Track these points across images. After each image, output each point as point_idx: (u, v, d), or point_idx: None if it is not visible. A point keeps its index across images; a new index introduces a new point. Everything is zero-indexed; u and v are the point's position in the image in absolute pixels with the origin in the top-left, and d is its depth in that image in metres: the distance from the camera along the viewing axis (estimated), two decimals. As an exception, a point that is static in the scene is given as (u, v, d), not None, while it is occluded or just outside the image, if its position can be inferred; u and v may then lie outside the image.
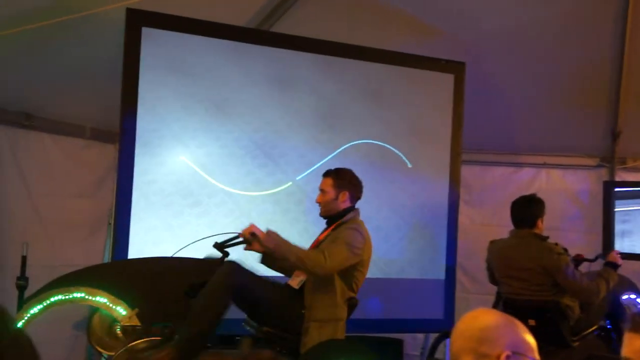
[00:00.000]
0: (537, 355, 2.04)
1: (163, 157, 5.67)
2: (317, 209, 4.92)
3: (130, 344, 4.39)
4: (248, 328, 4.70)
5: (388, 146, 6.48)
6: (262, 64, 6.05)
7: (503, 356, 1.95)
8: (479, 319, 2.03)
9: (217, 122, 5.87)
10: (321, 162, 6.10)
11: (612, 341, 5.65)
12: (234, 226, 4.92)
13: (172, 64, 5.76)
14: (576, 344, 5.34)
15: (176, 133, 5.72)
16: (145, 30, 5.64)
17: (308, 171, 6.07)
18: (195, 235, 4.98)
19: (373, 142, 6.43)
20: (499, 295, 5.75)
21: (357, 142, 6.34)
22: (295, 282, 4.70)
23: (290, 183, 6.04)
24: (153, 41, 5.67)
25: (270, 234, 4.44)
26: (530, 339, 2.05)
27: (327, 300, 4.57)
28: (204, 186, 5.77)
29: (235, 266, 4.39)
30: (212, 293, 4.29)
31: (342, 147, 6.24)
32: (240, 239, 4.50)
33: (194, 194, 5.72)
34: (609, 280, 5.40)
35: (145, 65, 5.64)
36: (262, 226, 4.48)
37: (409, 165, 6.56)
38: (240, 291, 4.38)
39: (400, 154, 6.57)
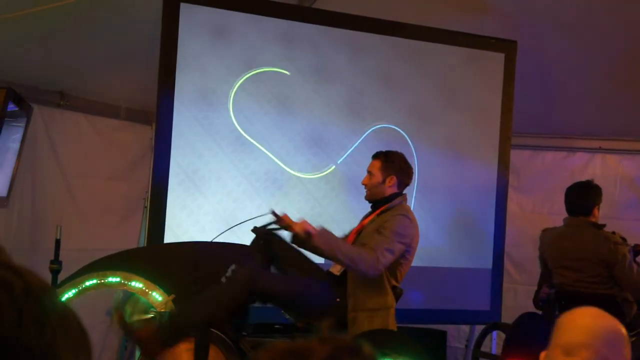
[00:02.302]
0: None
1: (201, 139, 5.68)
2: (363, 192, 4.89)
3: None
4: (287, 317, 4.71)
5: (432, 127, 6.42)
6: (305, 44, 6.02)
7: None
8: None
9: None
10: (357, 142, 6.08)
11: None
12: (280, 208, 4.95)
13: (211, 42, 5.75)
14: (633, 339, 5.26)
15: (215, 115, 5.71)
16: (183, 7, 5.63)
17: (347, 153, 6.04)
18: (235, 219, 4.99)
19: (418, 123, 6.39)
20: (549, 285, 5.70)
21: (398, 124, 6.28)
22: (336, 268, 4.68)
23: (333, 167, 6.01)
24: (192, 18, 5.68)
25: (322, 233, 4.42)
26: None
27: (374, 288, 4.55)
28: (279, 179, 5.80)
29: (254, 273, 4.32)
30: (215, 294, 4.28)
31: (377, 127, 6.16)
32: (278, 225, 4.50)
33: (234, 176, 5.71)
34: None
35: (183, 44, 5.65)
36: (305, 208, 4.47)
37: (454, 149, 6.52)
38: (263, 295, 4.36)
39: (446, 137, 6.53)
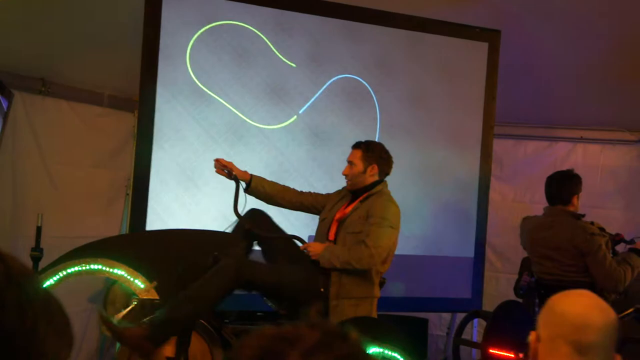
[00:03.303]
0: None
1: (183, 125, 5.67)
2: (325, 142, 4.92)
3: (147, 318, 4.40)
4: (270, 304, 4.72)
5: (416, 117, 6.42)
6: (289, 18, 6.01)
7: (619, 358, 1.96)
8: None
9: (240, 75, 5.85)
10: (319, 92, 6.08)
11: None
12: (241, 159, 5.12)
13: (193, 28, 5.72)
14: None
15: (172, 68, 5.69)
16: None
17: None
18: (195, 171, 5.15)
19: (402, 112, 6.39)
20: (530, 274, 5.73)
21: (385, 111, 6.28)
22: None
23: (295, 117, 5.99)
24: (174, 4, 5.65)
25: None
26: None
27: (361, 278, 4.59)
28: (239, 130, 5.81)
29: (237, 262, 4.36)
30: (203, 287, 4.27)
31: (339, 77, 6.14)
32: (237, 191, 4.62)
33: (193, 127, 5.72)
34: (635, 267, 5.34)
35: (165, 30, 5.63)
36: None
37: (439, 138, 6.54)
38: (247, 285, 4.40)
39: (428, 126, 6.54)
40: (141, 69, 5.60)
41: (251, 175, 4.86)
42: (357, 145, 4.85)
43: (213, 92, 5.75)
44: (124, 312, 4.39)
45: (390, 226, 4.58)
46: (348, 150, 5.26)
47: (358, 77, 6.17)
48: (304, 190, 5.14)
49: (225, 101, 5.77)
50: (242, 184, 4.84)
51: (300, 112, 5.98)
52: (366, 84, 6.18)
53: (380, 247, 4.51)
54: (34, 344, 1.14)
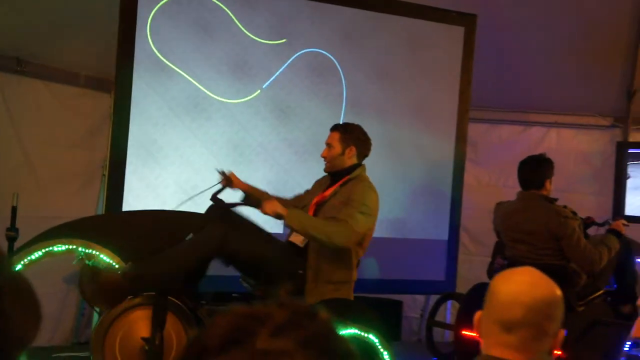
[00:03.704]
0: None
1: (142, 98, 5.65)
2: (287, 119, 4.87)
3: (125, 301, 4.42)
4: (245, 285, 4.73)
5: (385, 94, 6.44)
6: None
7: (561, 335, 1.94)
8: (540, 288, 1.95)
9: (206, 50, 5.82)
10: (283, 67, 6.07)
11: (619, 305, 5.69)
12: (203, 132, 5.12)
13: (173, 8, 5.68)
14: (581, 308, 5.37)
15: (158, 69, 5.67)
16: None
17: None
18: (156, 145, 5.26)
19: (378, 97, 6.40)
20: (503, 257, 5.77)
21: (351, 86, 6.29)
22: (299, 239, 4.69)
23: (258, 91, 5.96)
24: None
25: (293, 212, 4.46)
26: None
27: (340, 262, 4.60)
28: (201, 104, 5.77)
29: (224, 229, 4.37)
30: (190, 247, 4.34)
31: (305, 51, 6.11)
32: (243, 202, 4.57)
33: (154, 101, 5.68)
34: (612, 248, 5.40)
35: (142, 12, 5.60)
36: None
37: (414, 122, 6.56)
38: (233, 256, 4.40)
39: (405, 109, 6.56)
40: (117, 48, 5.57)
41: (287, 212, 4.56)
42: (335, 128, 4.85)
43: (175, 65, 5.68)
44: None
45: (369, 214, 4.59)
46: (313, 125, 5.29)
47: (324, 51, 6.11)
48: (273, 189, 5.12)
49: (187, 74, 5.70)
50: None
51: (264, 86, 5.94)
52: (333, 58, 6.14)
53: (361, 228, 4.52)
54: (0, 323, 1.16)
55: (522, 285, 1.94)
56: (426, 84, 6.62)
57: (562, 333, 1.93)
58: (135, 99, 5.59)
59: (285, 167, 5.81)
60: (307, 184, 5.22)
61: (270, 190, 5.10)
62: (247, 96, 5.89)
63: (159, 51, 5.62)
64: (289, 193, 5.14)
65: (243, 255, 4.42)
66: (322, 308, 1.04)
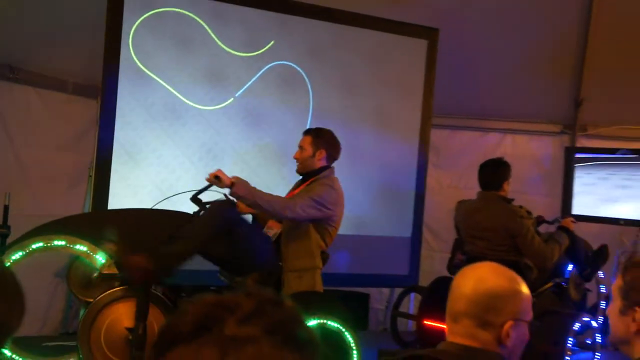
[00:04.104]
0: (531, 314, 2.01)
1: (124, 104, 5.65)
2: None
3: (109, 291, 4.40)
4: (223, 279, 4.73)
5: (349, 104, 6.46)
6: (229, 11, 5.99)
7: (507, 327, 1.91)
8: (487, 282, 1.94)
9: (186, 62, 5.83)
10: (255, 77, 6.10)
11: (565, 297, 5.76)
12: (178, 137, 5.25)
13: (137, 13, 5.67)
14: (533, 300, 5.41)
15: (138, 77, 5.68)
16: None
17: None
18: (135, 147, 5.34)
19: (343, 106, 6.42)
20: (463, 253, 5.81)
21: (318, 96, 6.31)
22: (270, 233, 4.73)
23: (232, 99, 5.99)
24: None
25: (241, 181, 4.44)
26: (530, 299, 2.00)
27: (303, 251, 4.62)
28: (178, 110, 5.79)
29: (229, 203, 4.42)
30: (204, 221, 4.35)
31: (275, 63, 6.13)
32: (209, 184, 4.51)
33: (133, 107, 5.68)
34: (562, 244, 5.47)
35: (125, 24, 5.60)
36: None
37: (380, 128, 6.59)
38: (229, 231, 4.38)
39: (371, 116, 6.59)
40: (104, 56, 5.56)
41: (237, 179, 4.53)
42: (308, 132, 4.88)
43: (154, 74, 5.70)
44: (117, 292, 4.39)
45: (322, 204, 4.58)
46: (281, 132, 5.46)
47: (294, 64, 6.15)
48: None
49: (166, 83, 5.73)
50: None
51: (237, 95, 5.97)
52: (301, 70, 6.18)
53: (302, 206, 4.52)
54: None
55: (471, 280, 1.95)
56: (391, 93, 6.66)
57: (509, 324, 1.90)
58: (117, 105, 5.59)
59: (255, 170, 5.85)
60: (275, 185, 5.31)
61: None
62: (220, 104, 5.93)
63: (140, 61, 5.63)
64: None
65: (236, 226, 4.40)
66: (287, 297, 1.05)
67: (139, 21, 5.59)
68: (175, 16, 5.74)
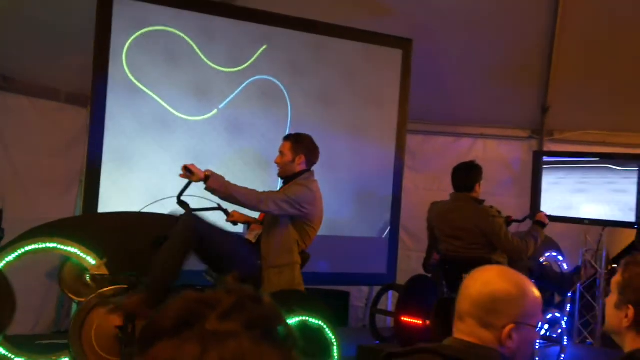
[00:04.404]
0: (540, 317, 1.97)
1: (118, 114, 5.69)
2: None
3: (99, 291, 4.38)
4: (209, 279, 4.71)
5: (326, 114, 6.48)
6: (215, 25, 6.07)
7: (508, 329, 1.89)
8: (492, 285, 1.92)
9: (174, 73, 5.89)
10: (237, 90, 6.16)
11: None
12: (166, 144, 5.49)
13: (130, 31, 5.72)
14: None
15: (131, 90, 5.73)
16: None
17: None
18: (128, 153, 5.48)
19: (320, 115, 6.43)
20: (438, 252, 5.81)
21: (295, 108, 6.34)
22: (251, 235, 4.76)
23: (215, 110, 6.06)
24: (124, 9, 5.63)
25: (213, 175, 4.43)
26: (537, 304, 1.96)
27: (281, 248, 4.63)
28: (166, 120, 5.85)
29: (194, 219, 4.37)
30: (173, 245, 4.28)
31: (256, 78, 6.18)
32: (188, 182, 4.49)
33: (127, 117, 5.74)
34: (538, 238, 5.49)
35: (116, 34, 5.61)
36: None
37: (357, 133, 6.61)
38: (201, 242, 4.36)
39: (349, 124, 6.60)
40: (93, 68, 5.58)
41: (211, 173, 4.50)
42: (287, 138, 4.87)
43: (145, 87, 5.77)
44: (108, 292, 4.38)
45: (296, 201, 4.57)
46: (261, 141, 5.64)
47: (273, 78, 6.21)
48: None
49: (156, 95, 5.80)
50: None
51: (220, 107, 6.05)
52: (280, 84, 6.24)
53: (275, 200, 4.53)
54: None
55: (477, 282, 1.94)
56: (368, 101, 6.69)
57: (510, 327, 1.88)
58: (111, 115, 5.63)
59: (237, 175, 5.85)
60: (255, 188, 5.26)
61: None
62: (205, 114, 6.02)
63: (133, 76, 5.69)
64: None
65: (209, 241, 4.38)
66: (276, 299, 1.04)
67: (131, 39, 5.65)
68: (164, 34, 5.80)
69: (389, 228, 6.81)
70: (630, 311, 2.20)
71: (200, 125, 5.98)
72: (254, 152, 6.11)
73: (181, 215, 4.46)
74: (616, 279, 2.28)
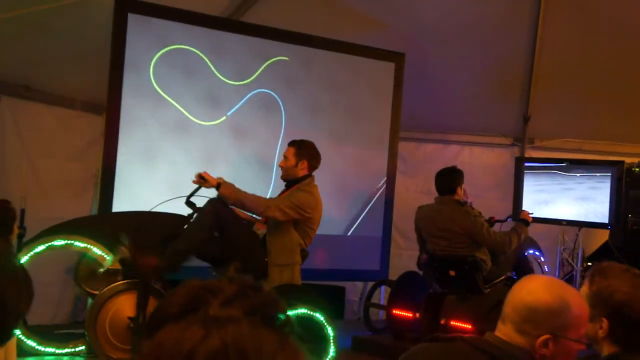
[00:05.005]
0: (583, 330, 1.87)
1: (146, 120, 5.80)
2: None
3: (112, 285, 4.40)
4: (215, 274, 4.71)
5: (317, 123, 6.51)
6: (225, 44, 6.19)
7: (541, 339, 1.83)
8: (533, 295, 1.86)
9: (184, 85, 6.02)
10: (243, 100, 6.22)
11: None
12: (184, 146, 5.76)
13: (154, 49, 5.84)
14: (487, 290, 5.45)
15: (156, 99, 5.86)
16: (131, 16, 5.64)
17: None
18: (152, 150, 5.68)
19: (304, 119, 6.46)
20: (426, 252, 5.82)
21: (289, 117, 6.38)
22: (259, 231, 4.75)
23: (224, 117, 6.18)
24: (138, 26, 5.69)
25: (224, 182, 4.50)
26: (579, 318, 1.87)
27: (284, 247, 4.64)
28: (184, 125, 6.00)
29: (220, 202, 4.48)
30: (199, 221, 4.42)
31: (258, 91, 6.29)
32: (197, 186, 4.54)
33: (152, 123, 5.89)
34: (521, 233, 5.50)
35: (144, 50, 5.76)
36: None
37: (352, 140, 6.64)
38: (222, 224, 4.42)
39: (347, 131, 6.62)
40: (109, 79, 5.64)
41: (222, 180, 4.56)
42: (292, 143, 4.89)
43: (167, 96, 5.91)
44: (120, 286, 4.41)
45: (298, 206, 4.62)
46: (260, 144, 5.99)
47: (271, 91, 6.34)
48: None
49: (176, 102, 5.96)
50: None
51: (229, 114, 6.18)
52: (276, 96, 6.36)
53: (280, 207, 4.57)
54: None
55: (522, 290, 1.89)
56: (363, 111, 6.71)
57: (544, 337, 1.82)
58: (137, 121, 5.78)
59: (241, 173, 6.08)
60: (256, 184, 5.73)
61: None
62: (216, 120, 6.13)
63: (158, 86, 5.86)
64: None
65: (229, 223, 4.46)
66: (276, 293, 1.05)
67: (157, 56, 5.85)
68: (183, 52, 6.00)
69: (382, 228, 6.81)
70: (604, 323, 2.15)
71: (211, 129, 6.12)
72: (254, 154, 6.28)
73: (209, 200, 4.54)
74: (584, 290, 2.21)
